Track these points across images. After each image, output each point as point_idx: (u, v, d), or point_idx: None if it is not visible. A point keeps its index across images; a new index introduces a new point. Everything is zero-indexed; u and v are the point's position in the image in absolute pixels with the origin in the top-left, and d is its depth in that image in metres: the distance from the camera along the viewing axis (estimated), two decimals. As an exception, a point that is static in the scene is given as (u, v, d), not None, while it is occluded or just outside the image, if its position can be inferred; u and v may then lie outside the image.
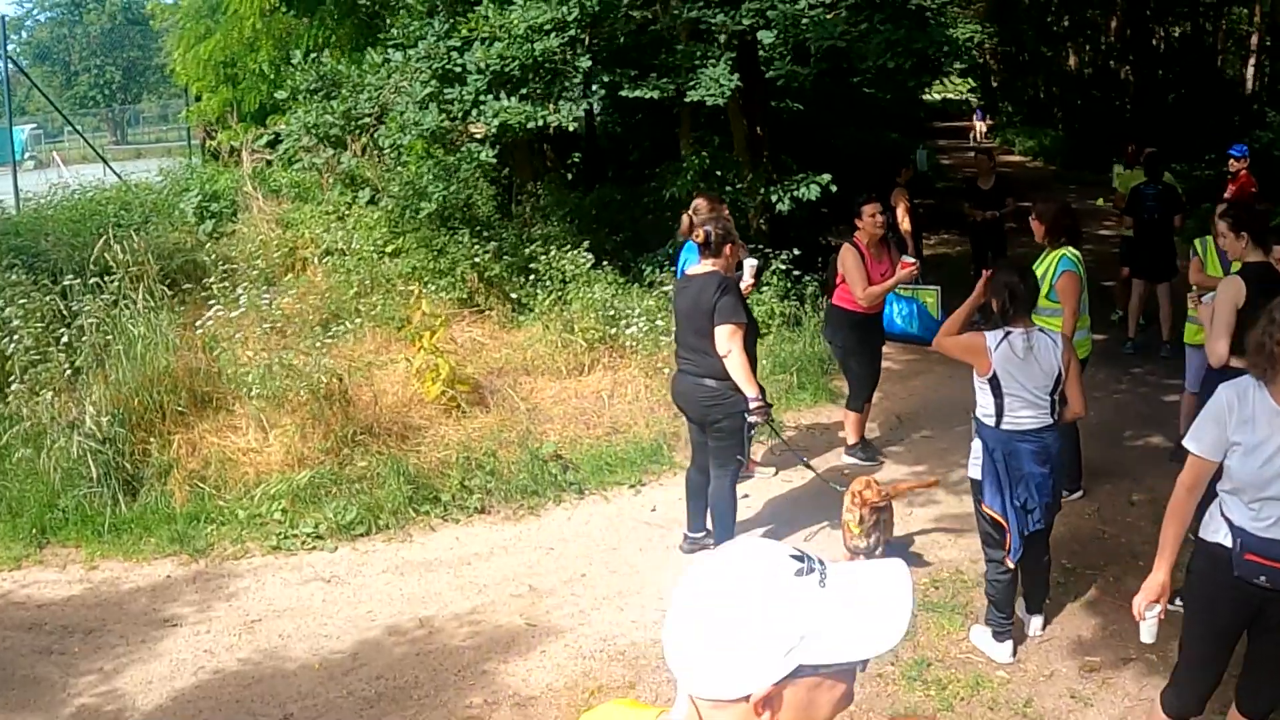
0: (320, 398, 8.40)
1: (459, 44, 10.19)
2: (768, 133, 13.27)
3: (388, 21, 12.82)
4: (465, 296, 11.51)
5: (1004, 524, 5.92)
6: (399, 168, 13.21)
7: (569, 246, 11.54)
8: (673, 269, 11.28)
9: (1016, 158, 35.62)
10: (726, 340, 6.57)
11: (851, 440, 9.05)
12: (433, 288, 11.28)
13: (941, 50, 10.02)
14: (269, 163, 15.43)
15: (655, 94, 10.23)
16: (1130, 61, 34.57)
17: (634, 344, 10.25)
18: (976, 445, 6.07)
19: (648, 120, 15.23)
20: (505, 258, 11.68)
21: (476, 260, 11.58)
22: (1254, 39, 32.45)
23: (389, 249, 12.24)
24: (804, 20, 9.92)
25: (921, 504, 8.04)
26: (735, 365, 6.60)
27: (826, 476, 7.87)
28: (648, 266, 11.85)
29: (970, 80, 48.22)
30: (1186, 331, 8.95)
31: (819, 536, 7.61)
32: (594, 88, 10.20)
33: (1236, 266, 7.23)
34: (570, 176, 15.17)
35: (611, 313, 10.63)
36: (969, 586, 6.89)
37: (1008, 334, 5.83)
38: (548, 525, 7.94)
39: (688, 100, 10.31)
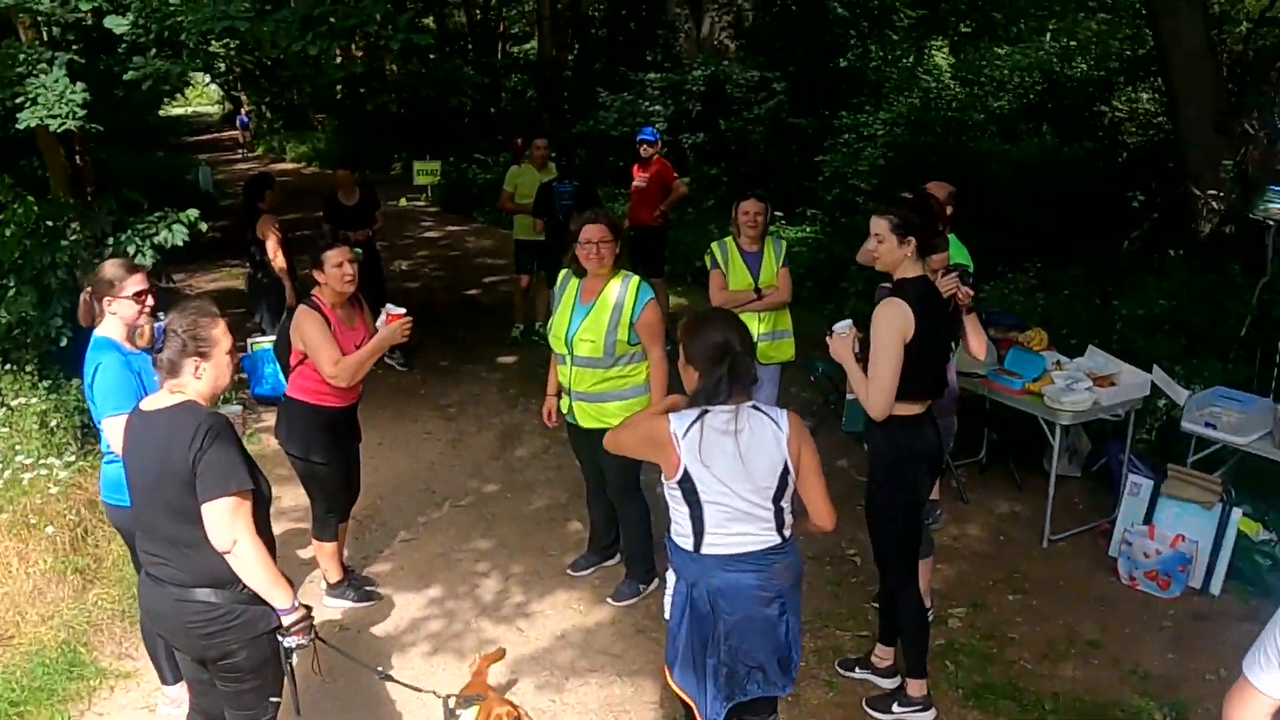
0: None
1: None
2: (90, 162, 10.15)
3: None
4: None
5: (691, 706, 4.16)
6: None
7: None
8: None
9: (290, 165, 33.83)
10: (226, 523, 3.82)
11: (333, 578, 6.55)
12: None
13: (381, 29, 7.57)
14: None
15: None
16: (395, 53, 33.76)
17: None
18: (672, 579, 4.23)
19: None
20: None
21: None
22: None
23: None
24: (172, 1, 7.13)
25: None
26: (250, 562, 3.87)
27: (411, 683, 5.18)
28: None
29: (216, 89, 45.70)
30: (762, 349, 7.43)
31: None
32: None
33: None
34: None
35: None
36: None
37: (704, 414, 3.97)
38: None
39: (22, 126, 7.10)
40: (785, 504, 4.06)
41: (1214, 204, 10.15)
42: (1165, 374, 7.30)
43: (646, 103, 17.67)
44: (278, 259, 9.95)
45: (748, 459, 3.95)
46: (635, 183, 11.47)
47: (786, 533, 4.09)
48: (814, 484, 4.12)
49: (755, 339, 7.26)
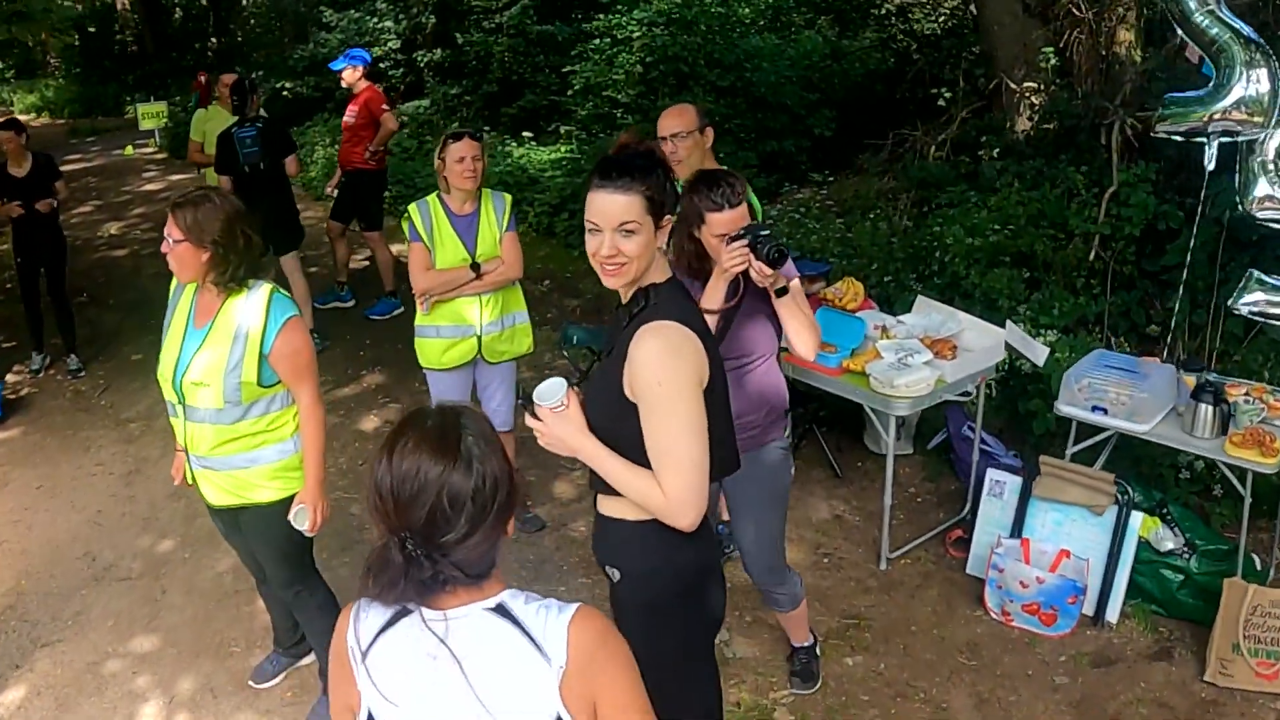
0: None
1: None
2: None
3: None
4: None
5: None
6: None
7: None
8: None
9: (19, 117, 29.98)
10: None
11: None
12: None
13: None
14: None
15: None
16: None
17: None
18: None
19: None
20: None
21: None
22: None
23: None
24: None
25: None
26: None
27: None
28: None
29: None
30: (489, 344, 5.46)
31: None
32: None
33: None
34: None
35: None
36: None
37: (402, 614, 1.99)
38: None
39: None
40: None
41: (1033, 99, 8.41)
42: (1019, 329, 5.52)
43: (375, 19, 15.17)
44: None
45: (465, 708, 1.92)
46: (345, 118, 9.24)
47: None
48: None
49: (479, 330, 5.30)
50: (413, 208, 5.30)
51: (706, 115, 4.87)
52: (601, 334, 7.65)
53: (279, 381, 3.87)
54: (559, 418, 2.76)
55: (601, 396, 2.78)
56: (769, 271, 3.60)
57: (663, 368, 2.60)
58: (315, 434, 3.97)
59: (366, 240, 9.57)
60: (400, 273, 9.60)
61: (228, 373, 3.76)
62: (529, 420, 2.81)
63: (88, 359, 8.89)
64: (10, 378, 8.58)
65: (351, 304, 9.60)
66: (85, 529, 6.36)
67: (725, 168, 4.25)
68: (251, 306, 3.80)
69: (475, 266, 5.23)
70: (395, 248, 9.49)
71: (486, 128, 13.84)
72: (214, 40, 27.85)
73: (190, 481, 4.09)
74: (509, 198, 5.48)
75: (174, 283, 4.01)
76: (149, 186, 16.63)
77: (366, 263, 10.76)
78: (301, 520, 3.96)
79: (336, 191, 9.51)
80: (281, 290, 3.90)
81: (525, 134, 13.40)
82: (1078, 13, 8.06)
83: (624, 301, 2.81)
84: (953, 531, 5.51)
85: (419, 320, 5.37)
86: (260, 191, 8.24)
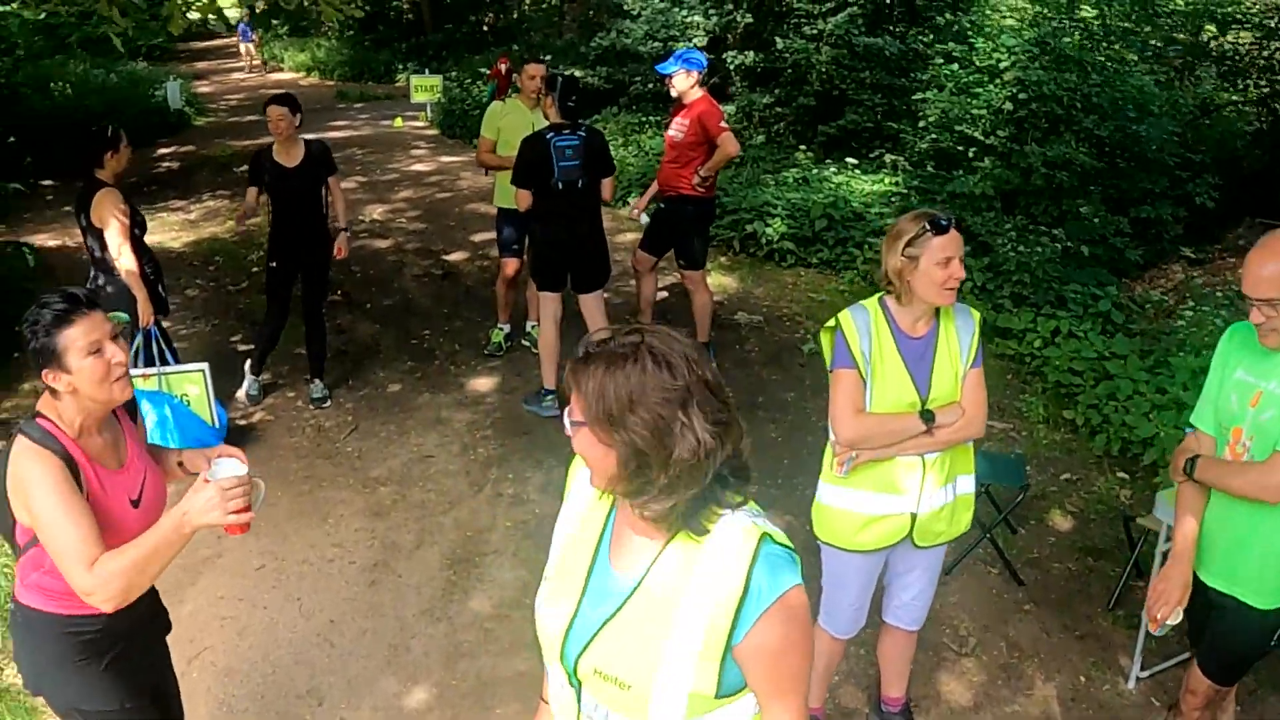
0: None
1: None
2: None
3: None
4: None
5: None
6: None
7: None
8: None
9: (288, 75, 29.86)
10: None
11: None
12: None
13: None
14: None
15: None
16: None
17: None
18: None
19: None
20: None
21: None
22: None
23: None
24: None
25: None
26: None
27: None
28: None
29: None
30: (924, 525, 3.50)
31: None
32: None
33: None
34: None
35: None
36: None
37: None
38: None
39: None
40: None
41: None
42: None
43: (684, 11, 13.42)
44: (123, 257, 6.09)
45: None
46: (669, 132, 7.47)
47: None
48: None
49: (915, 506, 3.45)
50: (845, 316, 3.45)
51: None
52: (1015, 466, 5.76)
53: (744, 687, 2.03)
54: None
55: None
56: None
57: None
58: None
59: (685, 280, 7.72)
60: (716, 321, 7.92)
61: (667, 675, 1.95)
62: None
63: (335, 381, 7.44)
64: (238, 394, 7.21)
65: None
66: (313, 648, 4.81)
67: None
68: (717, 558, 1.94)
69: (928, 415, 3.40)
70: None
71: (803, 146, 12.02)
72: (491, 16, 26.87)
73: None
74: (978, 315, 3.57)
75: (573, 462, 2.22)
76: (418, 166, 15.32)
77: (665, 294, 9.03)
78: None
79: (646, 216, 7.80)
80: (775, 536, 1.98)
81: (849, 160, 11.47)
82: None
83: None
84: None
85: (828, 480, 3.54)
86: (572, 214, 6.62)
